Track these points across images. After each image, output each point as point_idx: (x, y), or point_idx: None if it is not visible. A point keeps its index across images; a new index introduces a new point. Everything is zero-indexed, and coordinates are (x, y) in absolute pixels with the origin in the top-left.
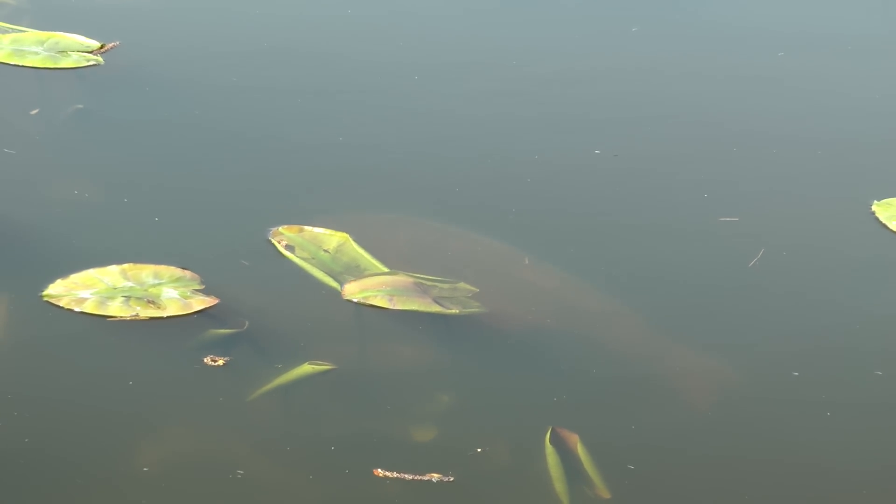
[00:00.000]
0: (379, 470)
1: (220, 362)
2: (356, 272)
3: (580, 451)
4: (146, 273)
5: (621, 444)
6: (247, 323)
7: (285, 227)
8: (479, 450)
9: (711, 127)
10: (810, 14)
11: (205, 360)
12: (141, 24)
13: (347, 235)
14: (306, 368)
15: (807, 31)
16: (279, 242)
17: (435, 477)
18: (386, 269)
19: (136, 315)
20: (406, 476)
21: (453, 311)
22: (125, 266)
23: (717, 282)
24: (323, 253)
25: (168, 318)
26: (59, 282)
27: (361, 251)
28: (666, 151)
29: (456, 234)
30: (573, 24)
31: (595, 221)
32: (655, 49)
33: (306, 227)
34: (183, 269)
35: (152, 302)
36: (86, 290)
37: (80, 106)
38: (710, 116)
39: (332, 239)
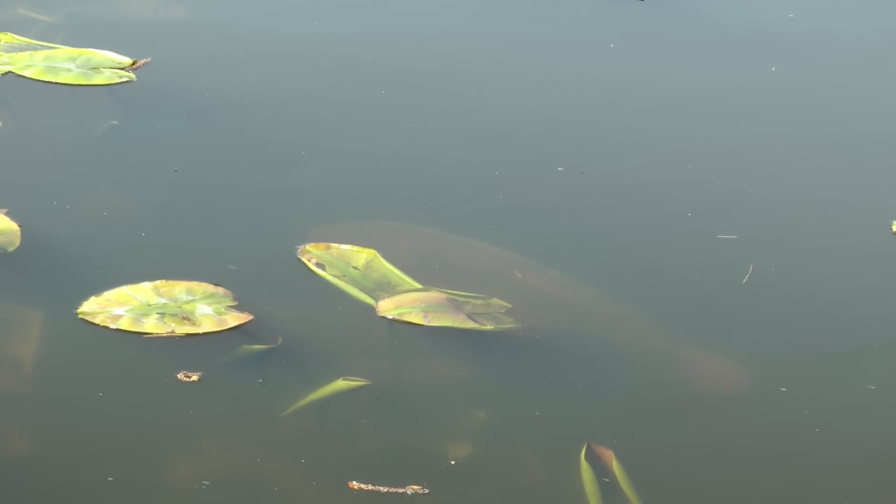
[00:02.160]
0: (354, 483)
1: (195, 378)
2: (388, 288)
3: (615, 467)
4: (179, 289)
5: (657, 459)
6: (280, 339)
7: (312, 244)
8: (452, 462)
9: (725, 140)
10: (830, 16)
11: (178, 375)
12: (172, 40)
13: (375, 252)
14: (340, 384)
15: (824, 36)
16: (309, 260)
17: (411, 490)
18: (418, 286)
19: (172, 332)
20: (381, 489)
21: (488, 326)
22: (157, 283)
23: (746, 299)
24: (353, 270)
25: (204, 334)
26: (92, 299)
27: (391, 267)
28: (675, 165)
29: (455, 241)
30: (558, 32)
31: (584, 230)
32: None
33: (333, 244)
34: (215, 285)
35: (187, 318)
36: (120, 307)
37: (115, 122)
38: (725, 130)
39: (360, 256)
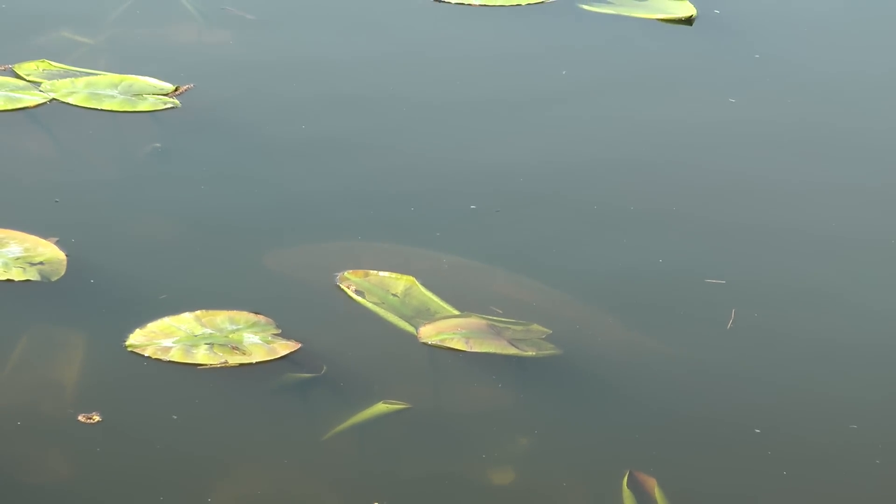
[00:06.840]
0: None
1: (96, 419)
2: (427, 315)
3: (658, 495)
4: (221, 319)
5: (702, 487)
6: (324, 367)
7: (350, 271)
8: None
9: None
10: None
11: (79, 417)
12: (216, 66)
13: (414, 279)
14: (381, 408)
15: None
16: (348, 287)
17: None
18: (457, 312)
19: (225, 362)
20: None
21: (530, 353)
22: (198, 313)
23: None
24: (391, 297)
25: (256, 363)
26: (137, 331)
27: (430, 294)
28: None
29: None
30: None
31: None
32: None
33: (371, 272)
34: (256, 313)
35: (237, 348)
36: (167, 338)
37: (159, 145)
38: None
39: (398, 283)
